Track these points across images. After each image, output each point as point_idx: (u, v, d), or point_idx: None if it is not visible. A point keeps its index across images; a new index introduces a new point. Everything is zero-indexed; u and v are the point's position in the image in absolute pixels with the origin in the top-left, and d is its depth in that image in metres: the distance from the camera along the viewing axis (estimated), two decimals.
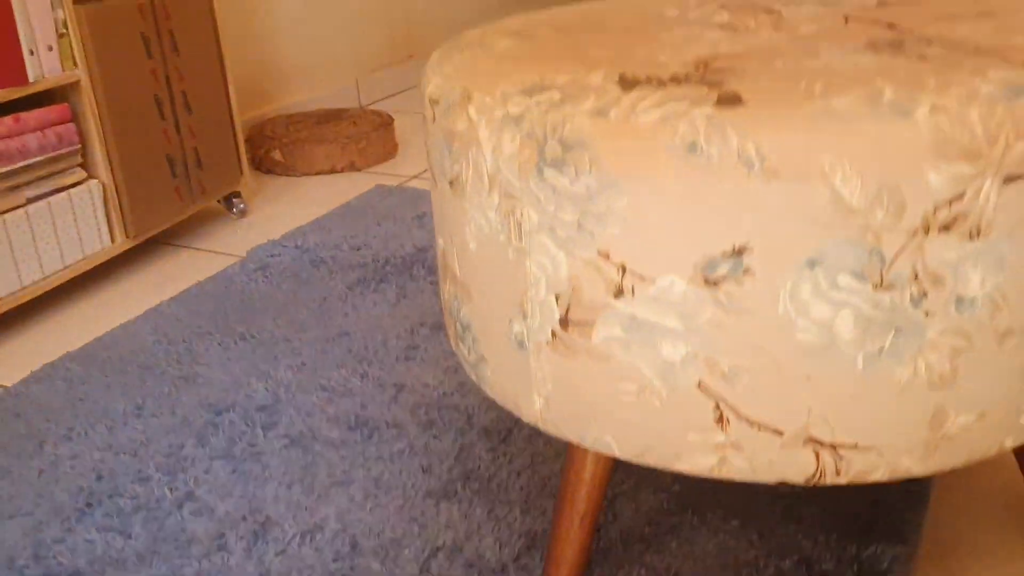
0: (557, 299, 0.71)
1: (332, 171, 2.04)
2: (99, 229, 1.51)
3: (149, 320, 1.43)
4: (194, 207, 1.68)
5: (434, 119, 0.78)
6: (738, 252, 0.63)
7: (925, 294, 0.63)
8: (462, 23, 3.22)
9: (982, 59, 0.65)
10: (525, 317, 0.74)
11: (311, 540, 0.95)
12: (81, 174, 1.49)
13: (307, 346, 1.33)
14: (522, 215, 0.71)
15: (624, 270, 0.67)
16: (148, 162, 1.57)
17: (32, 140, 1.39)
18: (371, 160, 2.07)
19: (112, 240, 1.54)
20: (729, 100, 0.63)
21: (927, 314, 0.64)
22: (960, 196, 0.61)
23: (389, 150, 2.11)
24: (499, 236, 0.73)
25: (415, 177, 2.02)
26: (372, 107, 2.59)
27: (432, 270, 1.53)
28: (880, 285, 0.63)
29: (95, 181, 1.49)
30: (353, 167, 2.05)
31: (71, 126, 1.45)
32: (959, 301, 0.64)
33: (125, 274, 1.60)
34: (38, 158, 1.41)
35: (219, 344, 1.35)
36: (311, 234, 1.72)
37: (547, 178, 0.67)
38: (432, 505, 0.99)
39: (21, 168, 1.39)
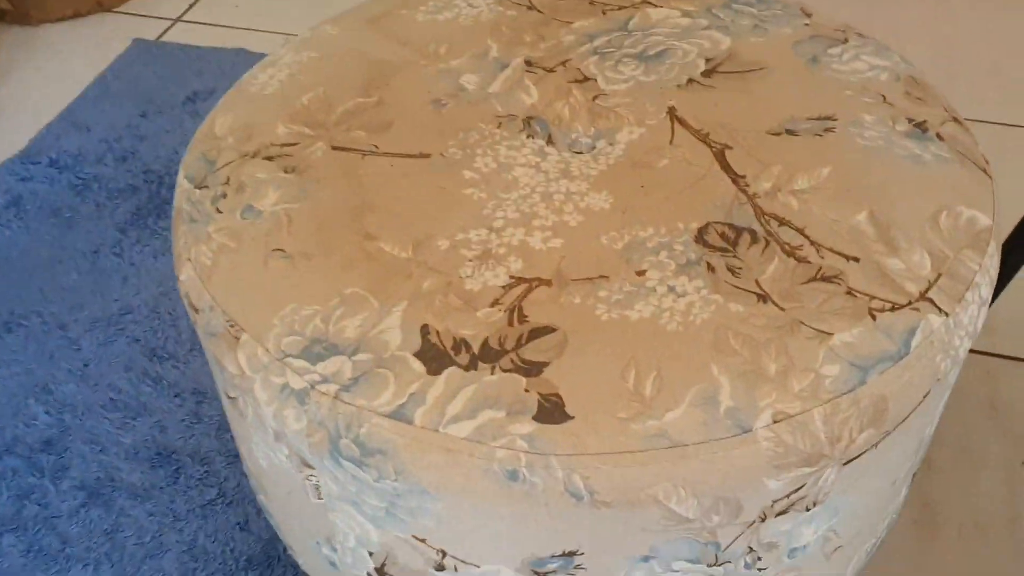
0: (371, 554, 0.64)
1: (76, 15, 1.72)
2: None
3: None
4: None
5: (196, 319, 0.64)
6: (568, 554, 0.58)
7: (759, 558, 0.61)
8: None
9: (830, 301, 0.58)
10: (335, 551, 0.67)
11: None
12: None
13: (86, 334, 1.18)
14: (319, 482, 0.61)
15: (445, 554, 0.60)
16: None
17: None
18: None
19: None
20: (552, 410, 0.54)
21: (760, 571, 0.62)
22: (799, 488, 0.57)
23: None
24: (294, 476, 0.63)
25: (179, 20, 1.74)
26: None
27: None
28: (715, 563, 0.59)
29: None
30: (100, 7, 1.74)
31: None
32: (792, 551, 0.62)
33: None
34: None
35: None
36: (66, 137, 1.47)
37: (346, 468, 0.58)
38: None
39: None
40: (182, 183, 0.71)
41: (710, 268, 0.60)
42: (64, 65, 1.66)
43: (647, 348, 0.56)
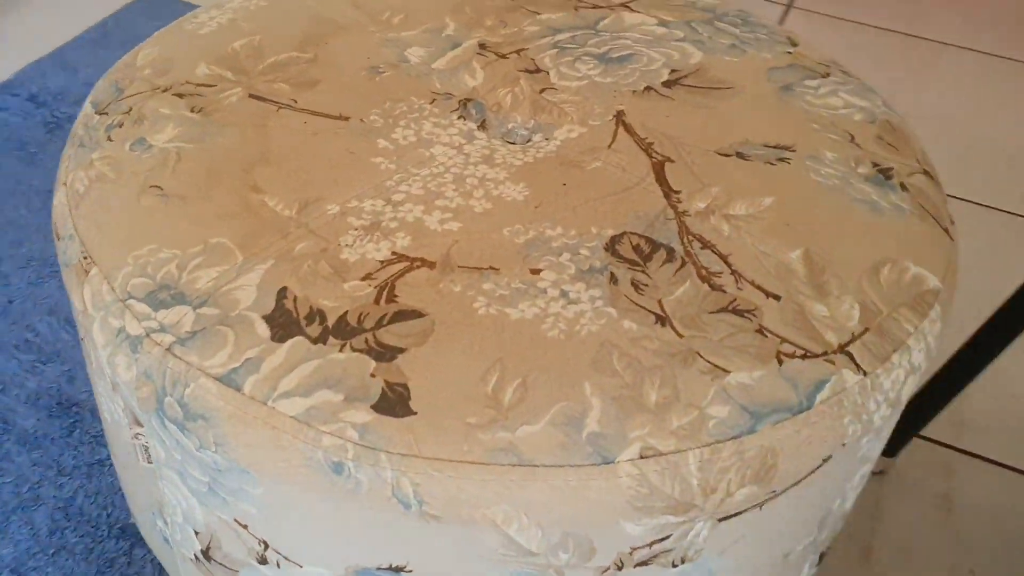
0: (196, 534, 0.58)
1: None
2: None
3: None
4: None
5: (57, 247, 0.59)
6: (396, 569, 0.51)
7: None
8: None
9: (735, 336, 0.52)
10: (167, 525, 0.61)
11: None
12: None
13: (19, 271, 1.13)
14: (148, 443, 0.55)
15: (267, 545, 0.54)
16: None
17: None
18: None
19: None
20: (394, 401, 0.47)
21: None
22: (663, 539, 0.50)
23: None
24: (126, 433, 0.57)
25: None
26: None
27: None
28: None
29: None
30: None
31: None
32: None
33: None
34: None
35: None
36: (52, 74, 1.44)
37: (170, 431, 0.52)
38: (124, 552, 0.89)
39: None
40: (87, 108, 0.66)
41: (613, 279, 0.54)
42: (66, 5, 1.63)
43: (519, 352, 0.50)
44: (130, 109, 0.63)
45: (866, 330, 0.53)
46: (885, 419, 0.54)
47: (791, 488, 0.51)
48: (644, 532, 0.49)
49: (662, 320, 0.52)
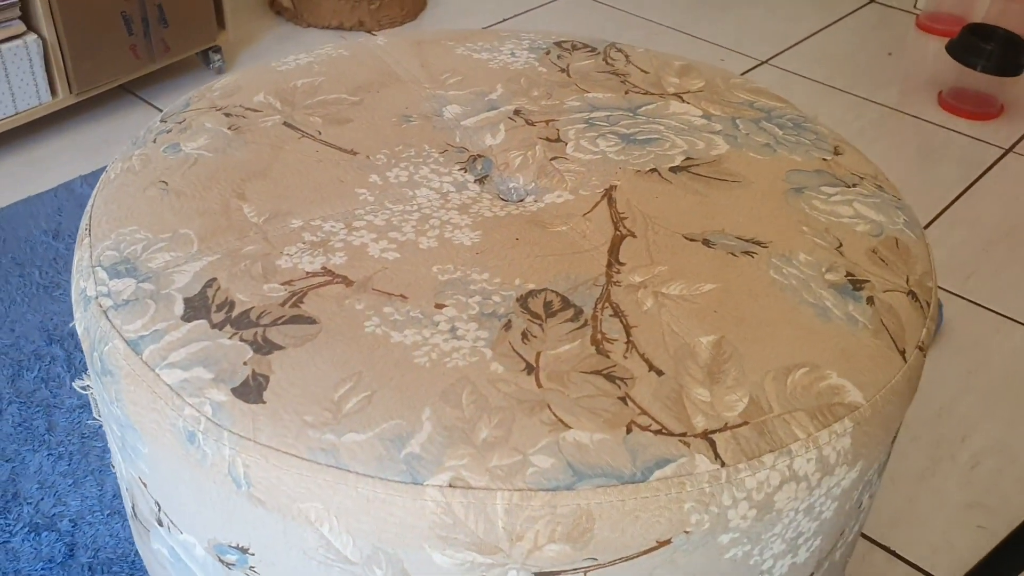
0: (126, 491, 0.64)
1: (340, 27, 1.91)
2: (36, 84, 1.46)
3: (55, 199, 1.40)
4: (155, 65, 1.61)
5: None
6: (243, 549, 0.55)
7: None
8: None
9: (595, 399, 0.52)
10: (119, 477, 0.68)
11: None
12: (20, 27, 1.43)
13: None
14: (94, 395, 0.63)
15: (160, 507, 0.59)
16: (98, 18, 1.49)
17: None
18: (384, 22, 1.91)
19: (53, 95, 1.50)
20: (252, 389, 0.52)
21: None
22: None
23: (408, 12, 1.94)
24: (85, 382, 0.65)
25: None
26: None
27: None
28: None
29: (33, 36, 1.43)
30: (362, 26, 1.91)
31: None
32: None
33: (72, 125, 1.57)
34: None
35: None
36: None
37: (99, 383, 0.59)
38: None
39: None
40: (159, 116, 0.77)
41: (506, 327, 0.55)
42: None
43: (380, 370, 0.52)
44: (183, 120, 0.73)
45: (744, 423, 0.51)
46: (754, 521, 0.51)
47: (621, 563, 0.50)
48: (452, 566, 0.49)
49: (530, 369, 0.53)
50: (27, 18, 1.48)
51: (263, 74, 0.80)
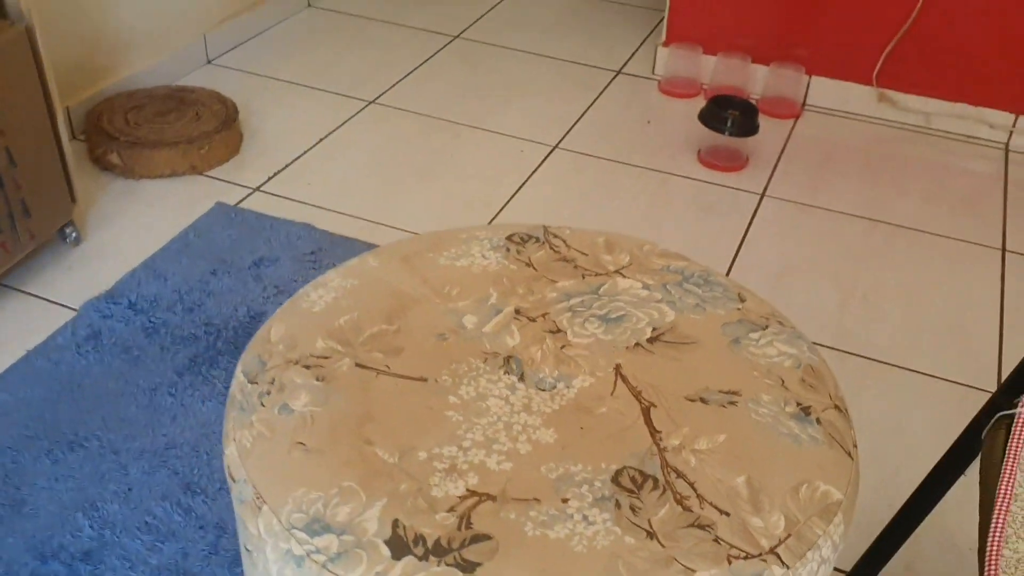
0: None
1: (172, 174, 2.01)
2: None
3: None
4: (22, 254, 1.66)
5: (232, 486, 0.85)
6: None
7: None
8: None
9: (700, 545, 0.77)
10: None
11: None
12: None
13: (135, 462, 1.39)
14: None
15: None
16: None
17: None
18: (213, 163, 2.04)
19: None
20: None
21: None
22: None
23: (232, 149, 2.07)
24: None
25: (258, 189, 2.01)
26: (220, 67, 2.48)
27: None
28: None
29: None
30: (194, 170, 2.02)
31: None
32: None
33: None
34: None
35: (47, 456, 1.40)
36: (146, 283, 1.73)
37: None
38: None
39: None
40: (239, 376, 0.93)
41: (617, 505, 0.80)
42: (155, 218, 1.93)
43: (557, 564, 0.75)
44: (273, 379, 0.91)
45: (788, 535, 0.79)
46: None
47: None
48: None
49: (651, 535, 0.77)
50: None
51: (304, 318, 0.98)
